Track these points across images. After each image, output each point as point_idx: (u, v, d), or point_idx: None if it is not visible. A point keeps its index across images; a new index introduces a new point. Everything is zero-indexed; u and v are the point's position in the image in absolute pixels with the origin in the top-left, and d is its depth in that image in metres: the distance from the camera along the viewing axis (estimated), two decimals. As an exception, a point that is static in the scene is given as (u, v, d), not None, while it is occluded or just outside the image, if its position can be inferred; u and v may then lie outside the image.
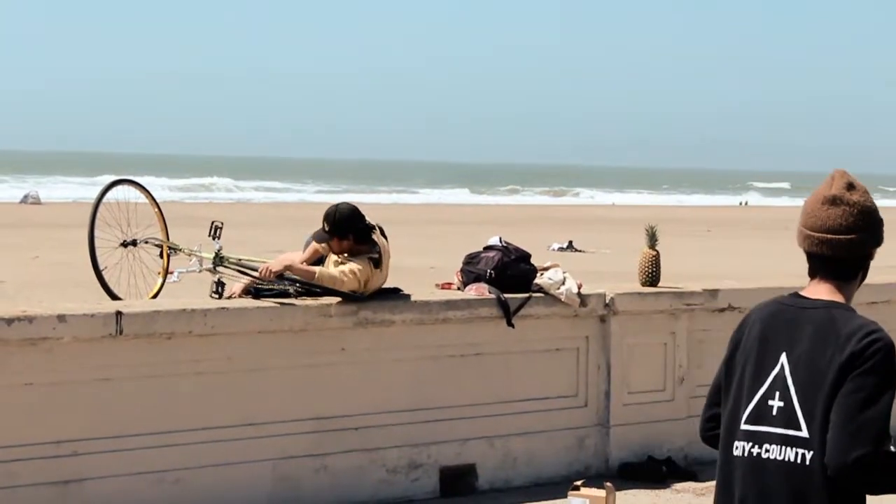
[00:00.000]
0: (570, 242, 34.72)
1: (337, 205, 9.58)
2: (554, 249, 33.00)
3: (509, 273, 10.20)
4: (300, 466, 9.30)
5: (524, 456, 10.20)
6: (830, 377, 3.87)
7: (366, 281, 9.37)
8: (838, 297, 4.03)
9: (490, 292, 10.02)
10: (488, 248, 10.42)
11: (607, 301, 10.50)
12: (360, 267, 9.33)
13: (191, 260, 9.75)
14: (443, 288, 10.44)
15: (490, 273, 10.16)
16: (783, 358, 3.98)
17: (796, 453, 3.91)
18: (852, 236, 4.01)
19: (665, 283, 11.04)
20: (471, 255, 10.46)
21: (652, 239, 10.93)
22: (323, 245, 9.55)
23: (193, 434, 8.90)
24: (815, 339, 3.94)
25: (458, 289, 10.29)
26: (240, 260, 9.65)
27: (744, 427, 4.02)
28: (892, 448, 3.86)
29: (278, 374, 9.24)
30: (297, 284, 9.29)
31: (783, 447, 3.93)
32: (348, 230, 9.39)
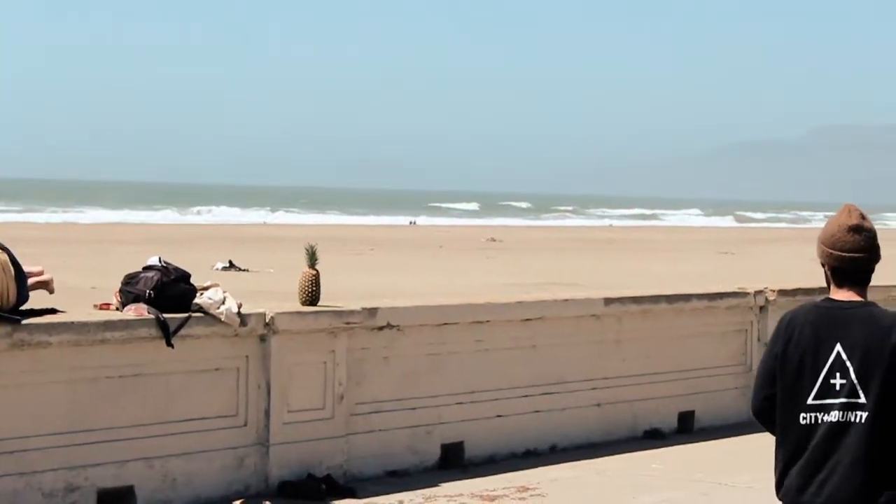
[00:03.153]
0: (231, 262, 34.66)
1: None
2: (218, 269, 32.87)
3: (168, 293, 10.16)
4: (-49, 492, 9.05)
5: (183, 476, 10.17)
6: (885, 357, 5.22)
7: (3, 267, 9.22)
8: (862, 299, 5.39)
9: (149, 312, 9.96)
10: (147, 269, 10.36)
11: (267, 320, 10.57)
12: None
13: None
14: (101, 308, 10.32)
15: (149, 293, 10.10)
16: (838, 346, 5.27)
17: (856, 415, 5.22)
18: (868, 254, 5.40)
19: (326, 301, 11.19)
20: (130, 275, 10.38)
21: (312, 258, 11.06)
22: None
23: None
24: (863, 331, 5.27)
25: (117, 309, 10.20)
26: None
27: (811, 402, 5.28)
28: None
29: (-72, 398, 8.97)
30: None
31: (846, 412, 5.23)
32: None
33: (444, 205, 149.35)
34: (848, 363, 5.26)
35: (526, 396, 12.50)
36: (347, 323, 11.06)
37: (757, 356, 14.77)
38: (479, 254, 46.22)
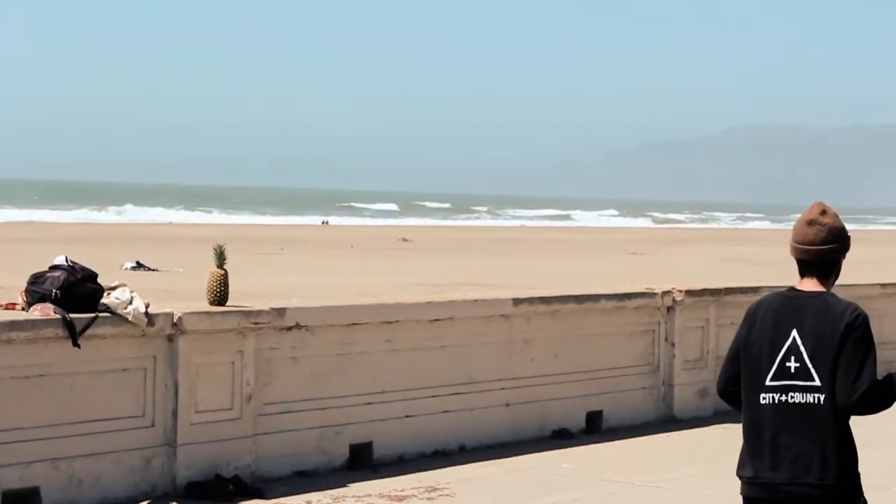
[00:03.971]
0: (139, 262, 34.41)
1: None
2: (127, 268, 32.63)
3: (75, 293, 10.09)
4: None
5: (90, 477, 10.09)
6: (835, 342, 5.65)
7: None
8: (823, 289, 5.83)
9: (55, 312, 9.88)
10: (54, 268, 10.28)
11: (175, 320, 10.51)
12: None
13: None
14: (7, 308, 10.23)
15: (56, 293, 10.02)
16: (794, 333, 5.72)
17: (815, 397, 5.66)
18: (825, 247, 5.82)
19: (235, 302, 11.15)
20: (36, 274, 10.29)
21: (220, 258, 11.03)
22: None
23: None
24: (817, 318, 5.70)
25: (23, 309, 10.10)
26: None
27: (769, 383, 5.73)
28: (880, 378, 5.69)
29: None
30: None
31: (804, 393, 5.68)
32: None
33: (361, 205, 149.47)
34: (802, 348, 5.71)
35: (435, 396, 12.53)
36: (256, 323, 11.02)
37: (664, 356, 14.92)
38: (390, 254, 46.20)
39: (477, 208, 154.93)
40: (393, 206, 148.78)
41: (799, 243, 5.86)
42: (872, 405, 5.68)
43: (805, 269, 5.87)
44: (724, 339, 15.62)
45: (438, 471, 11.78)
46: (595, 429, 14.01)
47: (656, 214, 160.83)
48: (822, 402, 5.67)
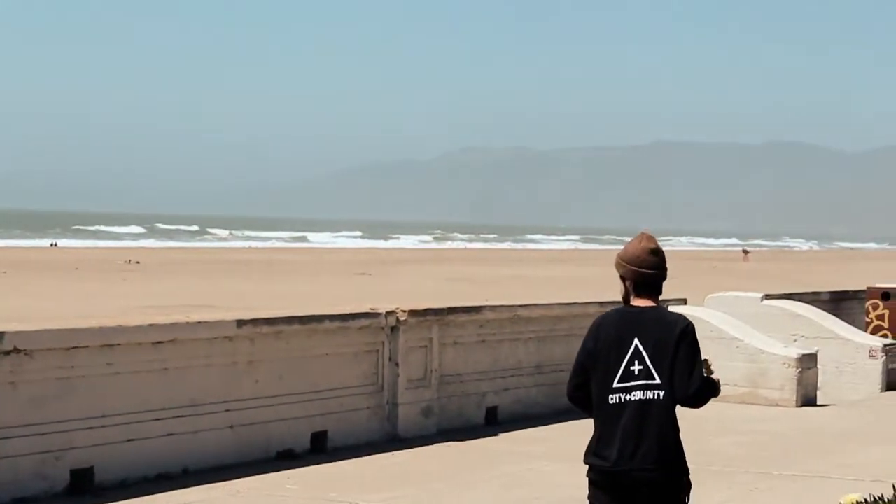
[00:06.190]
0: None
1: None
2: None
3: None
4: None
5: None
6: (671, 347, 6.66)
7: None
8: (654, 304, 6.84)
9: None
10: None
11: None
12: None
13: None
14: None
15: None
16: (636, 341, 6.70)
17: (654, 393, 6.65)
18: (662, 271, 6.87)
19: (-51, 327, 10.89)
20: None
21: (-66, 282, 10.78)
22: None
23: None
24: (655, 327, 6.72)
25: None
26: None
27: (616, 385, 6.69)
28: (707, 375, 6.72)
29: None
30: None
31: (645, 391, 6.66)
32: None
33: (105, 227, 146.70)
34: (644, 353, 6.70)
35: (158, 419, 12.44)
36: (-28, 348, 10.79)
37: (389, 376, 15.10)
38: (116, 276, 45.55)
39: (214, 230, 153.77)
40: (138, 229, 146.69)
41: (643, 268, 6.87)
42: (701, 399, 6.72)
43: (642, 289, 6.88)
44: (447, 359, 15.93)
45: (161, 494, 11.70)
46: (320, 449, 14.10)
47: (396, 235, 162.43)
48: (660, 398, 6.67)
